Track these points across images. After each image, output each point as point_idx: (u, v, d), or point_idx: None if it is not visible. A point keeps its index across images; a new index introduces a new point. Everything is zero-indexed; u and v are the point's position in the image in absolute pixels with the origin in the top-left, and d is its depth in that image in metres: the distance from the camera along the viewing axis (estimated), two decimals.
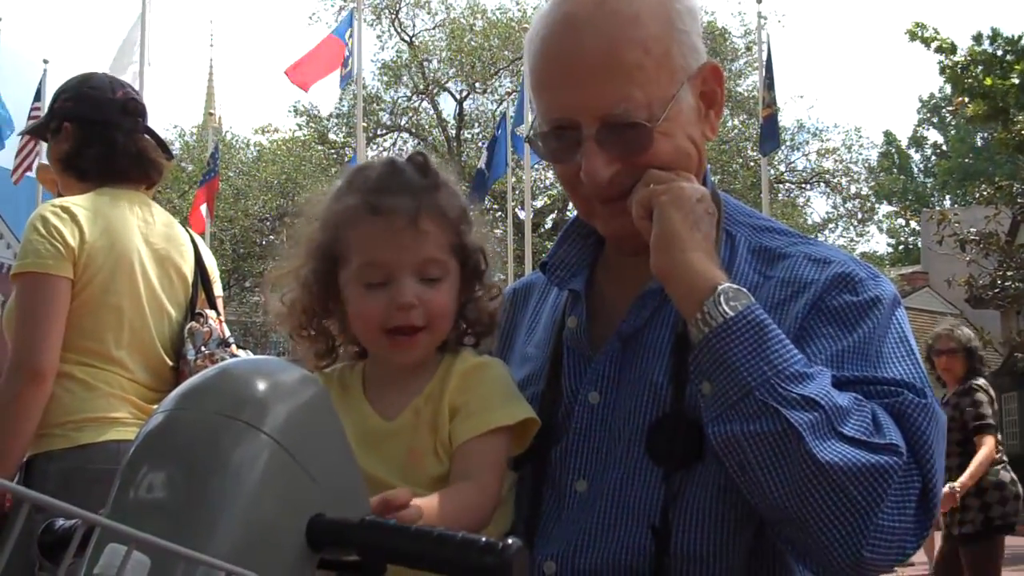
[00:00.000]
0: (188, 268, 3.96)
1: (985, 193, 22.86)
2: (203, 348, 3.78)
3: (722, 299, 1.70)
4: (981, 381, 7.95)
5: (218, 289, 4.14)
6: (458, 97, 41.88)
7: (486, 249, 1.96)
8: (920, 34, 20.06)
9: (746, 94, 37.83)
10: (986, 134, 32.49)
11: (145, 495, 1.22)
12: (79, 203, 3.70)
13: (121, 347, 3.68)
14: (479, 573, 1.22)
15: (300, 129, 41.57)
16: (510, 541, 1.22)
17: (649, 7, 1.85)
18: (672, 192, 1.79)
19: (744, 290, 1.73)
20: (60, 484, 3.44)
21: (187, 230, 4.07)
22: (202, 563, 1.08)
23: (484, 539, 1.23)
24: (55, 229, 3.58)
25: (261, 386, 1.31)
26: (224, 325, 3.94)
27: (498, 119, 23.46)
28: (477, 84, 41.28)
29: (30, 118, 22.28)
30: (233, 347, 3.85)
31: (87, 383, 3.61)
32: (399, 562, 1.32)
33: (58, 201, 3.72)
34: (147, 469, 1.24)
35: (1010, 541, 7.95)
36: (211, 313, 3.93)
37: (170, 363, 3.81)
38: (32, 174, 22.54)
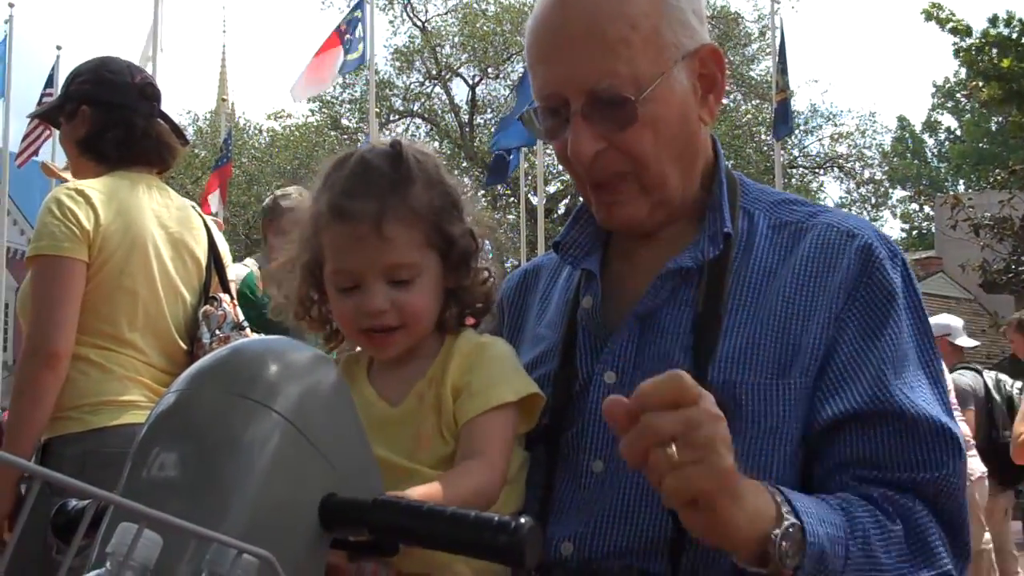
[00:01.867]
0: (202, 252, 3.97)
1: (999, 178, 22.79)
2: (218, 331, 3.80)
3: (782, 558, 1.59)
4: None
5: (231, 273, 4.14)
6: (471, 82, 41.83)
7: (477, 231, 1.91)
8: (935, 15, 20.00)
9: (759, 79, 37.71)
10: (1001, 118, 32.38)
11: (157, 474, 1.22)
12: (94, 186, 3.70)
13: (135, 330, 3.69)
14: (492, 552, 1.22)
15: (313, 115, 41.60)
16: (523, 520, 1.21)
17: None
18: (704, 464, 1.45)
19: (796, 533, 1.59)
20: (76, 467, 3.45)
21: (200, 215, 4.08)
22: (215, 541, 1.07)
23: (497, 518, 1.22)
24: (70, 212, 3.58)
25: (273, 366, 1.31)
26: (238, 309, 3.95)
27: (511, 105, 23.47)
28: (490, 69, 41.22)
29: (41, 104, 22.28)
30: (247, 330, 3.86)
31: (102, 366, 3.62)
32: (412, 542, 1.32)
33: (72, 184, 3.72)
34: (159, 449, 1.24)
35: None
36: (225, 297, 3.96)
37: (184, 347, 3.82)
38: (38, 159, 22.58)
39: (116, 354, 3.65)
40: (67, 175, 4.70)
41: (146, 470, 1.23)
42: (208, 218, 4.15)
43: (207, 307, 3.87)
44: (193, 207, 4.07)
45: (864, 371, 1.76)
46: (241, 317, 3.92)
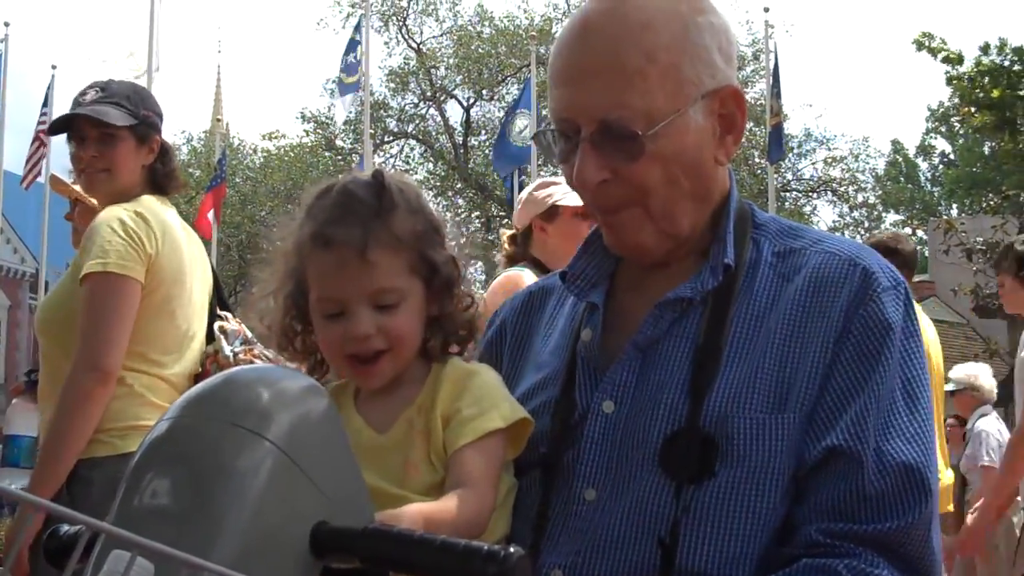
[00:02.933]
0: (208, 273, 4.06)
1: (992, 203, 22.86)
2: (232, 346, 3.84)
3: None
4: None
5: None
6: (465, 104, 41.96)
7: (460, 256, 1.93)
8: (927, 44, 20.07)
9: (753, 102, 37.82)
10: (994, 143, 32.50)
11: (150, 502, 1.22)
12: (146, 209, 3.77)
13: (169, 352, 3.75)
14: None
15: (307, 135, 41.67)
16: (512, 549, 1.22)
17: (664, 16, 1.84)
18: None
19: None
20: (106, 492, 3.45)
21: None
22: (205, 570, 1.08)
23: (487, 547, 1.23)
24: (134, 233, 3.64)
25: (265, 394, 1.32)
26: (243, 325, 4.00)
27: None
28: (484, 91, 41.34)
29: (40, 123, 22.42)
30: (258, 346, 3.91)
31: (133, 389, 3.65)
32: (402, 570, 1.33)
33: (129, 206, 3.76)
34: (152, 476, 1.25)
35: None
36: (228, 315, 4.04)
37: (199, 369, 3.89)
38: (41, 180, 22.73)
39: (147, 376, 3.69)
40: (80, 190, 4.74)
41: (138, 497, 1.23)
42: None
43: (222, 323, 3.94)
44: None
45: (847, 412, 1.76)
46: (250, 334, 3.95)
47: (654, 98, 1.81)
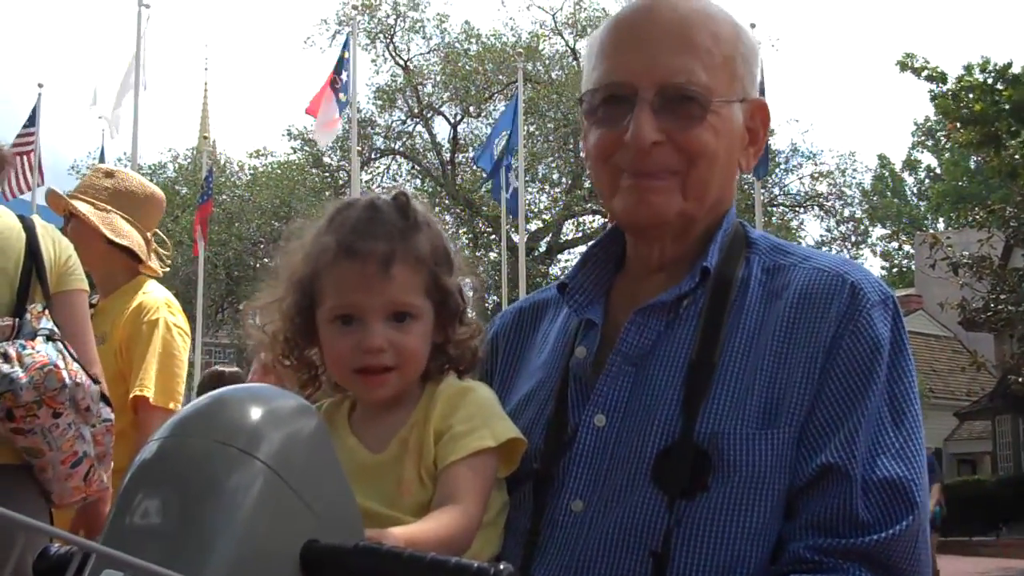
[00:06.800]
0: (9, 263, 3.83)
1: (978, 217, 22.88)
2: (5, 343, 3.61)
3: None
4: None
5: (75, 282, 4.01)
6: (452, 121, 42.01)
7: (464, 290, 1.95)
8: (910, 64, 20.21)
9: None
10: (979, 158, 32.62)
11: (140, 521, 1.22)
12: None
13: None
14: None
15: (294, 153, 41.71)
16: (502, 567, 1.22)
17: (723, 16, 1.97)
18: None
19: None
20: None
21: (28, 221, 3.96)
22: None
23: (476, 565, 1.23)
24: None
25: (256, 413, 1.32)
26: (45, 317, 3.78)
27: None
28: (471, 108, 41.41)
29: (15, 144, 22.36)
30: (37, 340, 3.68)
31: None
32: None
33: None
34: (142, 496, 1.25)
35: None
36: (34, 307, 3.81)
37: None
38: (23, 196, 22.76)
39: None
40: (76, 204, 4.69)
41: (128, 517, 1.23)
42: (43, 223, 4.03)
43: None
44: (22, 216, 3.96)
45: (839, 431, 1.77)
46: (43, 325, 3.74)
47: (716, 77, 1.90)
